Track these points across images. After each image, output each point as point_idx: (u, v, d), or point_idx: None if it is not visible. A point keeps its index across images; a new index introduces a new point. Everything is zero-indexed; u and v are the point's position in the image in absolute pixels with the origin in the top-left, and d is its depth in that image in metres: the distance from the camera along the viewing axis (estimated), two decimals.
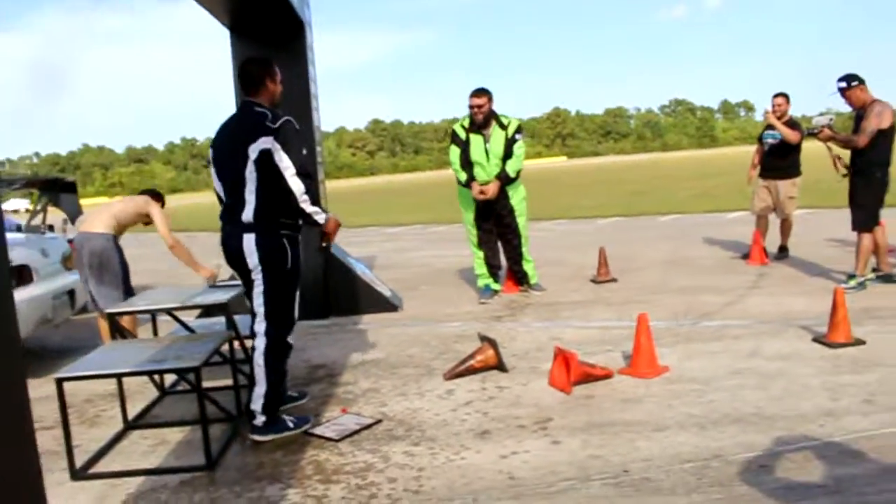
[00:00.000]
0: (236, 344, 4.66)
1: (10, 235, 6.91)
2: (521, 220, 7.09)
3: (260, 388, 3.88)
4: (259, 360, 3.89)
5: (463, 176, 6.93)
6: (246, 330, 5.01)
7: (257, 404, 3.88)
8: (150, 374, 4.18)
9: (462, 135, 6.96)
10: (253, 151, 3.76)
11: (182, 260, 5.56)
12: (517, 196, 7.04)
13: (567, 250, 10.41)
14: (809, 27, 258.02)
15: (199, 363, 3.67)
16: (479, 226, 7.13)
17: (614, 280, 7.66)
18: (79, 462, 3.84)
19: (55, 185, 7.14)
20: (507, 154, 6.84)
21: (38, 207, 6.56)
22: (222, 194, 4.00)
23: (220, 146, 4.02)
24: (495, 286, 7.36)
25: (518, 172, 6.91)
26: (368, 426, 4.00)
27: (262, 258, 3.82)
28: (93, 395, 5.03)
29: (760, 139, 8.30)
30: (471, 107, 6.79)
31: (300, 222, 3.93)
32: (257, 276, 3.85)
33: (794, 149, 7.88)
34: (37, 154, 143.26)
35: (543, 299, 7.07)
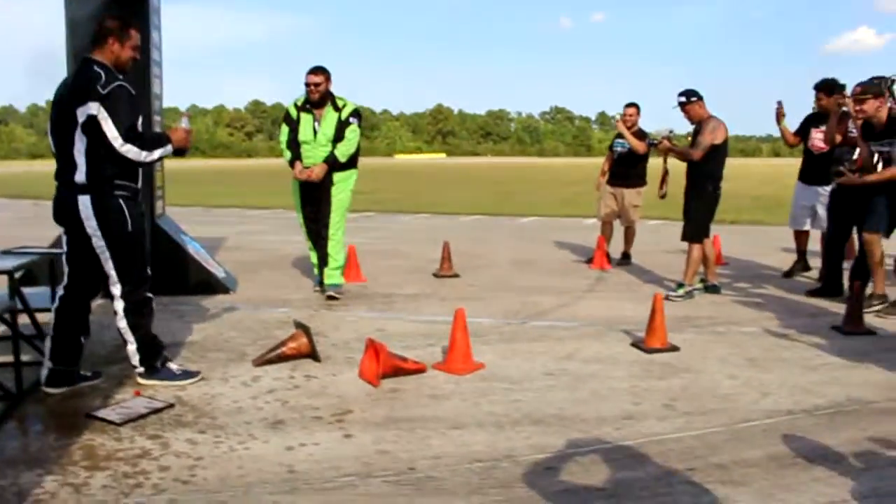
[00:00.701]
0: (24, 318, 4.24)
1: None
2: (335, 215, 6.45)
3: (131, 346, 4.03)
4: (121, 323, 3.99)
5: (288, 155, 6.50)
6: (37, 303, 4.62)
7: (135, 359, 4.05)
8: None
9: (293, 114, 6.48)
10: (81, 115, 3.68)
11: None
12: (342, 187, 6.48)
13: (418, 244, 10.33)
14: (688, 44, 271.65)
15: None
16: (304, 214, 6.63)
17: (456, 276, 7.61)
18: None
19: None
20: (339, 137, 6.34)
21: None
22: (55, 153, 3.89)
23: (55, 104, 3.86)
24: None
25: (350, 159, 6.42)
26: (158, 410, 3.71)
27: (101, 222, 3.78)
28: None
29: (611, 147, 8.48)
30: (307, 84, 6.29)
31: (139, 183, 3.96)
32: (99, 241, 3.81)
33: (642, 159, 8.08)
34: None
35: (380, 290, 6.93)
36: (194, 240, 7.19)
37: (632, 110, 8.13)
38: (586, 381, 4.20)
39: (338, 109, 6.37)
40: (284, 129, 6.59)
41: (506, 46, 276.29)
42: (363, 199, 20.68)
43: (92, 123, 3.66)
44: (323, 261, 6.54)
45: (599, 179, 8.61)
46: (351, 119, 6.38)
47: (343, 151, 6.34)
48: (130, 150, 3.72)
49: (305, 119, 6.41)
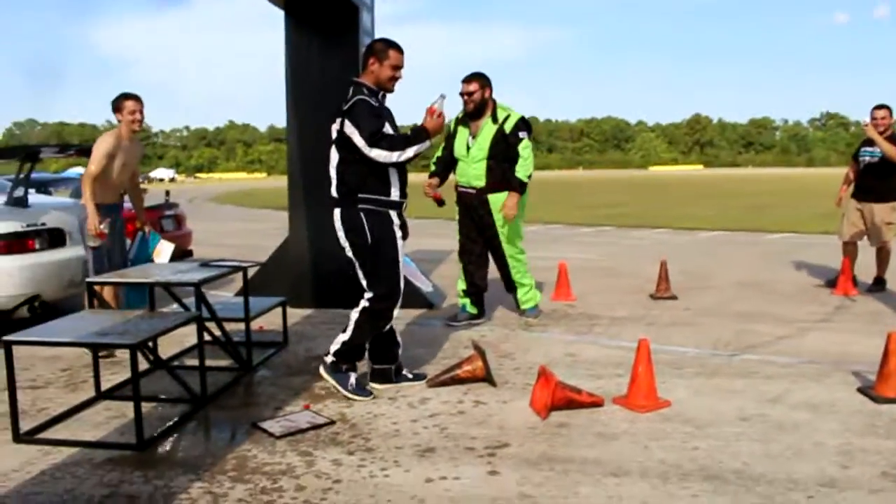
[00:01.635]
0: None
1: (51, 199, 7.04)
2: (507, 245, 5.85)
3: (343, 336, 4.18)
4: (354, 314, 4.17)
5: (432, 167, 6.00)
6: (230, 312, 4.88)
7: (334, 346, 4.20)
8: (87, 345, 4.06)
9: (451, 127, 5.91)
10: (334, 131, 4.08)
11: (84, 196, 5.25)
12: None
13: (646, 261, 9.73)
14: None
15: (134, 341, 3.49)
16: (462, 232, 6.03)
17: (673, 297, 7.04)
18: (32, 425, 3.78)
19: (18, 152, 7.13)
20: (500, 153, 5.64)
21: (21, 176, 6.38)
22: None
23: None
24: (471, 309, 6.10)
25: (528, 178, 5.72)
26: (318, 426, 3.72)
27: (346, 233, 4.08)
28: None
29: (856, 156, 7.44)
30: (461, 94, 5.69)
31: (392, 195, 4.13)
32: (347, 250, 4.11)
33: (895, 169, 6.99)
34: (186, 128, 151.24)
35: (586, 311, 6.57)
36: (405, 254, 7.28)
37: (883, 112, 7.04)
38: (787, 431, 3.60)
39: (497, 121, 5.70)
40: (442, 144, 6.07)
41: (770, 49, 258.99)
42: (603, 213, 20.29)
43: (340, 137, 4.03)
44: (509, 286, 6.12)
45: (841, 193, 7.60)
46: (520, 133, 5.67)
47: (523, 171, 5.67)
48: (380, 154, 3.94)
49: (461, 133, 5.86)
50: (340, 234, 4.10)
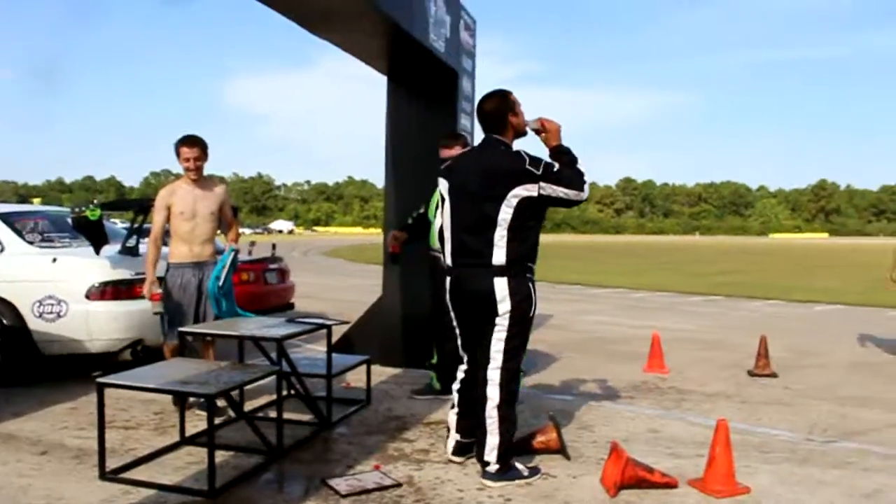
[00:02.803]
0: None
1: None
2: None
3: (493, 440, 3.81)
4: (493, 412, 3.82)
5: (409, 220, 5.75)
6: (314, 368, 5.01)
7: (491, 456, 3.81)
8: (169, 392, 4.24)
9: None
10: (514, 197, 3.73)
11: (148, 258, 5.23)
12: None
13: (750, 335, 9.32)
14: None
15: (213, 391, 3.64)
16: (436, 300, 5.48)
17: (773, 375, 6.72)
18: (118, 464, 3.99)
19: (132, 205, 7.46)
20: None
21: (134, 227, 6.64)
22: (452, 232, 3.94)
23: (464, 184, 3.88)
24: (435, 384, 5.71)
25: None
26: (385, 487, 3.74)
27: (515, 304, 3.77)
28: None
29: None
30: (440, 160, 5.03)
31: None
32: (503, 322, 3.78)
33: None
34: (307, 182, 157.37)
35: (678, 384, 6.36)
36: None
37: None
38: None
39: None
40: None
41: None
42: (716, 281, 19.68)
43: (525, 203, 3.73)
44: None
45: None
46: None
47: None
48: (569, 192, 3.78)
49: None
50: (505, 303, 3.74)
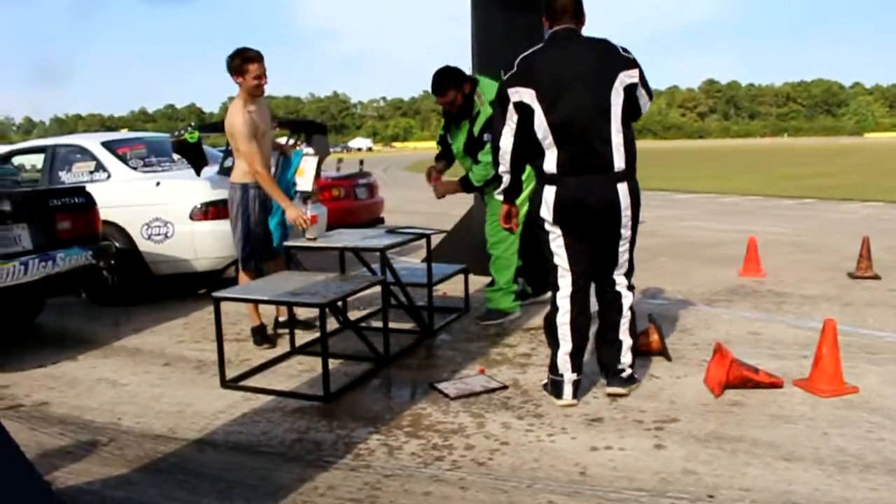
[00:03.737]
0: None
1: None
2: (489, 225, 5.28)
3: (627, 341, 3.74)
4: (625, 319, 3.72)
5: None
6: (414, 278, 5.13)
7: (626, 358, 3.74)
8: (281, 303, 4.44)
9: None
10: (621, 85, 3.43)
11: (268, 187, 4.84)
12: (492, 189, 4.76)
13: (849, 237, 9.03)
14: None
15: (324, 301, 3.80)
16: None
17: (876, 277, 6.53)
18: (236, 374, 4.25)
19: (307, 126, 7.66)
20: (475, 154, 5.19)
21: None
22: (558, 136, 3.47)
23: (561, 80, 3.46)
24: (527, 288, 5.72)
25: (479, 183, 5.18)
26: (492, 390, 3.87)
27: (635, 209, 3.57)
28: (300, 317, 5.31)
29: None
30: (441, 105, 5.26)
31: None
32: (626, 230, 3.57)
33: None
34: (383, 98, 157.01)
35: (776, 287, 6.26)
36: None
37: None
38: None
39: (469, 117, 5.17)
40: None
41: None
42: (808, 184, 19.00)
43: (629, 96, 3.47)
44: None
45: None
46: (485, 137, 4.99)
47: (476, 176, 5.19)
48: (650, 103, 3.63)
49: (453, 130, 5.40)
50: (627, 211, 3.51)
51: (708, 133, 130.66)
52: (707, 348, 4.47)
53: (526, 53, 3.58)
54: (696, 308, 5.62)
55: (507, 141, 3.58)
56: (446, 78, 5.08)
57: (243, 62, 4.69)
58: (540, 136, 3.50)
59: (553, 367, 3.68)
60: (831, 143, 74.85)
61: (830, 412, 3.48)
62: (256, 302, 4.37)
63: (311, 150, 5.28)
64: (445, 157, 5.49)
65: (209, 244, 6.17)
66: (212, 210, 6.15)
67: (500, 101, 3.59)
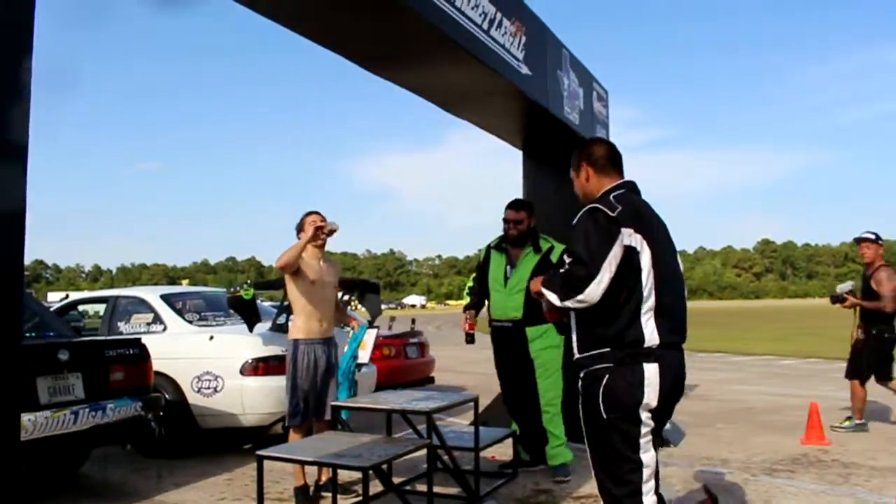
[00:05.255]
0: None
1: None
2: (544, 380, 5.30)
3: None
4: None
5: (466, 299, 5.70)
6: (461, 441, 5.02)
7: None
8: (323, 465, 4.34)
9: (482, 253, 5.67)
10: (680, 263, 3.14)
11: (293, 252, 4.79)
12: (543, 342, 5.30)
13: None
14: None
15: (367, 464, 3.72)
16: (501, 373, 5.61)
17: None
18: None
19: (361, 286, 7.82)
20: None
21: (284, 304, 6.89)
22: (668, 299, 2.92)
23: (661, 234, 3.03)
24: (524, 455, 5.54)
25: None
26: None
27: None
28: (343, 479, 5.22)
29: None
30: (507, 220, 5.39)
31: None
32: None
33: None
34: (439, 256, 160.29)
35: (843, 458, 5.94)
36: None
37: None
38: None
39: (540, 251, 5.35)
40: (474, 274, 5.79)
41: None
42: None
43: None
44: (541, 436, 5.40)
45: None
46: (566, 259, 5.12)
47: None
48: None
49: (497, 260, 5.50)
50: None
51: (765, 293, 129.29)
52: None
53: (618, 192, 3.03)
54: (757, 479, 5.34)
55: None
56: (527, 202, 5.58)
57: (305, 216, 5.00)
58: (645, 292, 2.86)
59: None
60: None
61: None
62: (300, 462, 4.30)
63: (373, 328, 5.51)
64: (477, 304, 5.65)
65: (258, 399, 6.18)
66: (262, 366, 6.20)
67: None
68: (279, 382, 6.14)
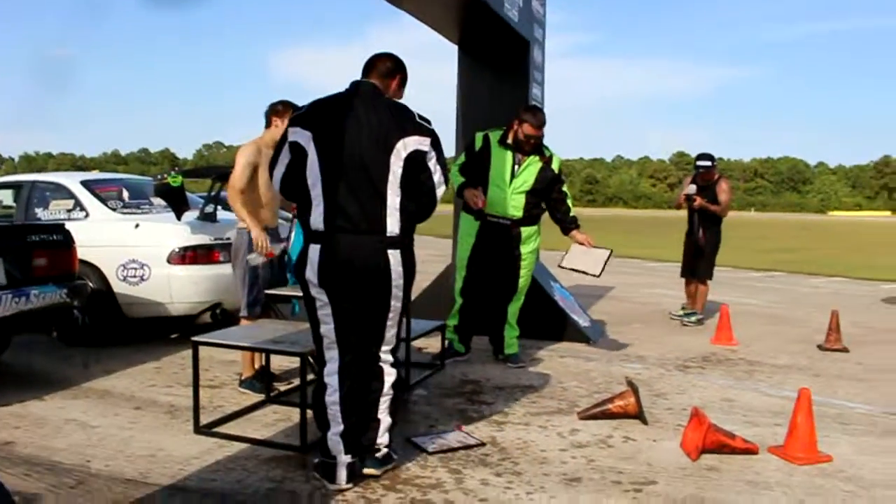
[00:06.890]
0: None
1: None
2: (523, 278, 5.71)
3: (388, 420, 3.43)
4: (390, 391, 3.42)
5: (460, 180, 5.53)
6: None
7: (383, 438, 3.42)
8: (263, 351, 4.40)
9: (479, 142, 5.57)
10: (404, 149, 3.20)
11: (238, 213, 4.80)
12: (531, 244, 5.69)
13: (817, 311, 9.22)
14: None
15: (304, 350, 3.78)
16: (473, 265, 5.67)
17: (844, 350, 6.64)
18: (210, 420, 4.18)
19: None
20: (541, 189, 5.54)
21: (212, 194, 6.85)
22: (324, 193, 3.20)
23: (344, 131, 3.20)
24: (458, 346, 5.83)
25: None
26: (469, 447, 3.85)
27: (407, 278, 3.32)
28: (275, 367, 5.24)
29: None
30: (526, 134, 5.42)
31: None
32: (396, 300, 3.30)
33: None
34: None
35: (747, 357, 6.34)
36: (564, 288, 7.34)
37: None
38: None
39: (544, 158, 5.57)
40: (462, 158, 5.71)
41: None
42: (774, 258, 19.33)
43: (417, 158, 3.26)
44: (497, 327, 5.84)
45: None
46: (562, 176, 5.69)
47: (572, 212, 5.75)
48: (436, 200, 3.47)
49: (503, 158, 5.51)
50: (399, 280, 3.28)
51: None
52: (682, 413, 4.51)
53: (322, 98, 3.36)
54: (670, 373, 5.66)
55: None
56: (545, 119, 5.56)
57: (285, 108, 4.74)
58: (310, 182, 3.22)
59: (324, 449, 3.36)
60: (797, 218, 76.56)
61: (806, 480, 3.51)
62: (237, 348, 4.33)
63: None
64: (473, 184, 5.48)
65: (185, 288, 6.12)
66: (190, 254, 6.11)
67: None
68: (207, 271, 6.13)
